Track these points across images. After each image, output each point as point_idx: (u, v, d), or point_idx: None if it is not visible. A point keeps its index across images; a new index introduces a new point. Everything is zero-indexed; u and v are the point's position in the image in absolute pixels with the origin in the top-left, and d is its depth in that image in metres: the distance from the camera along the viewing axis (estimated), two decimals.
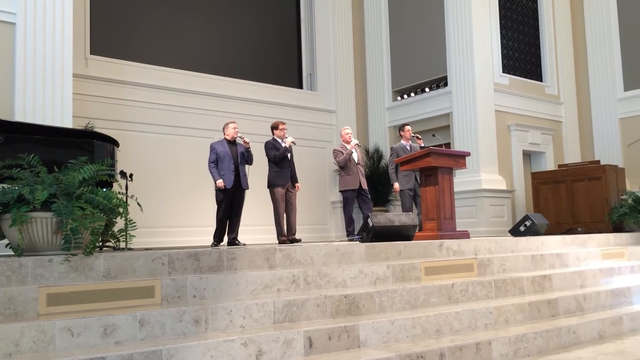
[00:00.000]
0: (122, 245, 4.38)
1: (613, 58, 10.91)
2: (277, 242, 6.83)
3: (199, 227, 8.94)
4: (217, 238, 6.56)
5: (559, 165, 10.26)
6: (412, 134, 7.90)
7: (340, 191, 7.55)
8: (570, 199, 9.33)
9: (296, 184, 7.00)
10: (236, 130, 6.69)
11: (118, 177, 5.71)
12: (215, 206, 6.59)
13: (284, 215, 6.84)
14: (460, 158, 6.86)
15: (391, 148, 8.18)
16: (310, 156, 10.50)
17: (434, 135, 8.75)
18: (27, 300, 3.34)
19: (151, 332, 3.34)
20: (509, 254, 5.92)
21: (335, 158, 7.49)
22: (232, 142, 6.66)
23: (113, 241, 4.26)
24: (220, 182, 6.44)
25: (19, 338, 3.00)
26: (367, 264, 4.79)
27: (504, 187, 9.92)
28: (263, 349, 3.43)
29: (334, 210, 10.85)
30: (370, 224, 5.69)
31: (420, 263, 5.03)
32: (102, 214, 3.84)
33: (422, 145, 7.73)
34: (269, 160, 6.87)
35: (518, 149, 10.49)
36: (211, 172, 6.52)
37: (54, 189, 3.71)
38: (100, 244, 4.90)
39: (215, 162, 6.51)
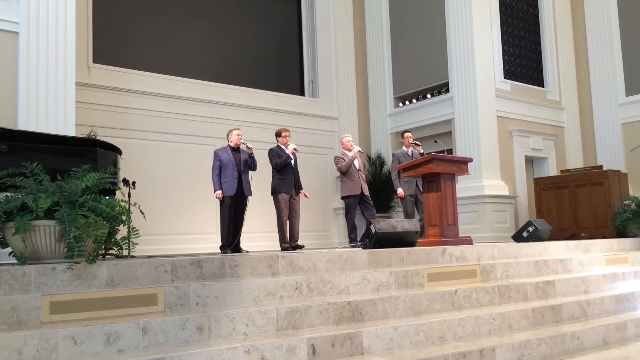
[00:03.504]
0: (125, 253, 4.38)
1: (614, 63, 10.91)
2: (280, 248, 6.83)
3: (201, 234, 8.96)
4: (227, 245, 6.52)
5: (562, 171, 10.26)
6: (411, 141, 7.93)
7: (342, 197, 7.55)
8: (573, 205, 9.31)
9: (302, 191, 7.00)
10: (239, 137, 6.71)
11: (121, 184, 5.70)
12: (218, 213, 6.59)
13: (287, 222, 6.84)
14: (462, 164, 6.85)
15: (393, 154, 8.21)
16: (313, 163, 10.50)
17: (436, 142, 8.76)
18: (30, 309, 3.35)
19: (154, 339, 3.34)
20: (512, 260, 5.91)
21: (336, 165, 7.49)
22: (235, 149, 6.67)
23: (116, 249, 4.27)
24: (218, 194, 6.46)
25: (22, 346, 3.00)
26: (369, 271, 4.79)
27: (506, 192, 9.90)
28: (266, 356, 3.42)
29: (336, 217, 10.85)
30: (373, 230, 5.69)
31: (423, 269, 5.02)
32: (105, 222, 3.85)
33: (421, 151, 7.79)
34: (273, 168, 6.88)
35: (520, 154, 10.49)
36: (213, 181, 6.53)
37: (57, 197, 3.72)
38: (103, 251, 4.91)
39: (218, 170, 6.53)
